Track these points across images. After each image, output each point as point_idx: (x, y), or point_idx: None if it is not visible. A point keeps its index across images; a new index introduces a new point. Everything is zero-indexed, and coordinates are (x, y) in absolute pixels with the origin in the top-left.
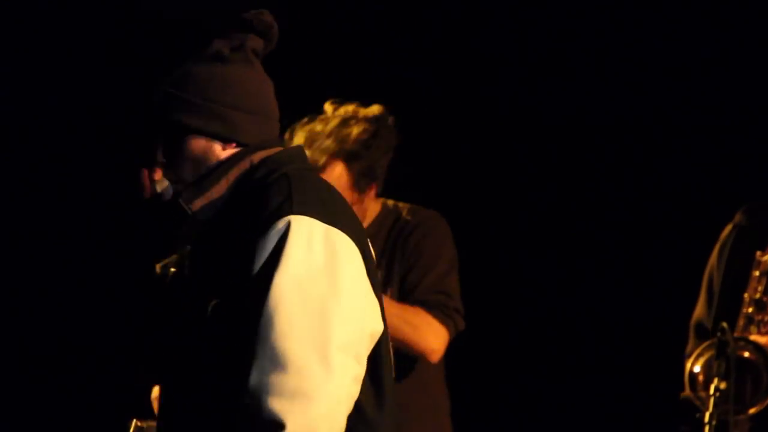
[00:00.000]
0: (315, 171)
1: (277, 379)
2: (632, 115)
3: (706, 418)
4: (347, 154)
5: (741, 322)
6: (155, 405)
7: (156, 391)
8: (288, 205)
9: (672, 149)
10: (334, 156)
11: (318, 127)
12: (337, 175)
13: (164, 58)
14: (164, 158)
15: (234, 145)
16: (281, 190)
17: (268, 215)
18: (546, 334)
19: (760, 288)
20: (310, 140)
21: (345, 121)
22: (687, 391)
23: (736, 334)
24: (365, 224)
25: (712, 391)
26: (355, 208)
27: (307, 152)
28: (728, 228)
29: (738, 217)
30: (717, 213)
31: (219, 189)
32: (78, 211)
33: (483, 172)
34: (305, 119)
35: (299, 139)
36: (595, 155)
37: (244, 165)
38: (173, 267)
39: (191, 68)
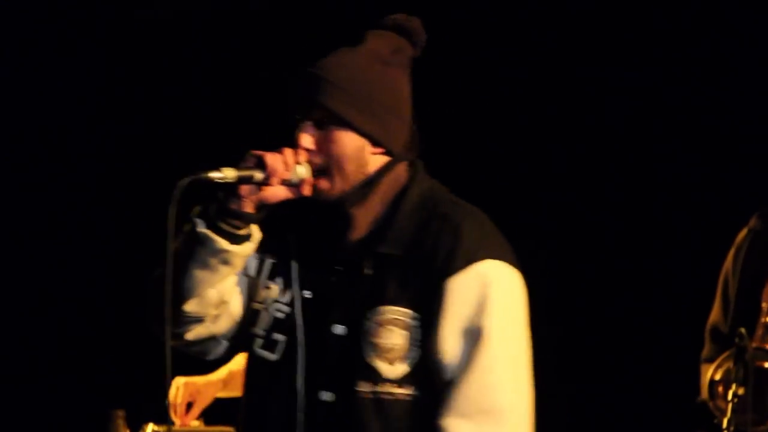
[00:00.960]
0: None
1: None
2: (650, 117)
3: (724, 424)
4: None
5: (759, 332)
6: (179, 409)
7: (174, 394)
8: (483, 249)
9: (689, 151)
10: None
11: None
12: None
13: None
14: (314, 145)
15: (382, 150)
16: (469, 225)
17: (462, 255)
18: (560, 339)
19: None
20: None
21: None
22: (704, 397)
23: (754, 344)
24: None
25: (730, 396)
26: None
27: None
28: (743, 232)
29: (753, 222)
30: (732, 216)
31: (375, 202)
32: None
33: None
34: None
35: None
36: (608, 155)
37: (397, 180)
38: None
39: (350, 61)
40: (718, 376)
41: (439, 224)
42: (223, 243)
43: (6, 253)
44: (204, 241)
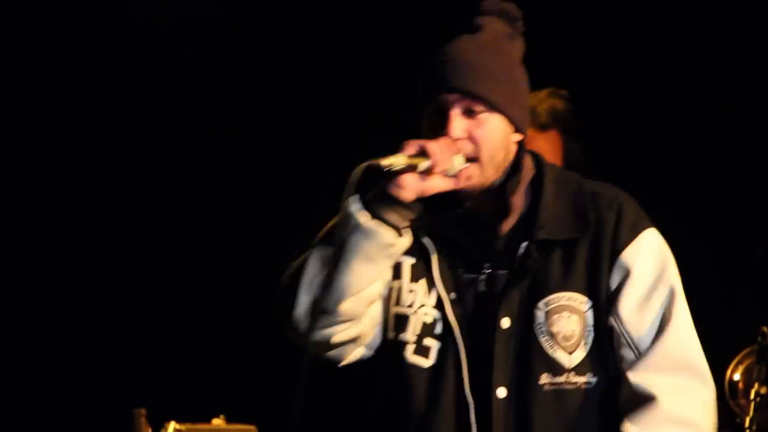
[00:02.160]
0: None
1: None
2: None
3: (747, 423)
4: (558, 124)
5: None
6: None
7: None
8: (642, 219)
9: None
10: (554, 121)
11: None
12: (556, 139)
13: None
14: (465, 133)
15: (520, 135)
16: (625, 202)
17: (628, 228)
18: None
19: None
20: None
21: (552, 94)
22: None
23: None
24: None
25: (752, 396)
26: None
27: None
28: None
29: None
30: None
31: (521, 191)
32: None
33: None
34: None
35: None
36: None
37: (528, 162)
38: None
39: (483, 47)
40: (737, 375)
41: (593, 203)
42: (390, 235)
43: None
44: (370, 233)
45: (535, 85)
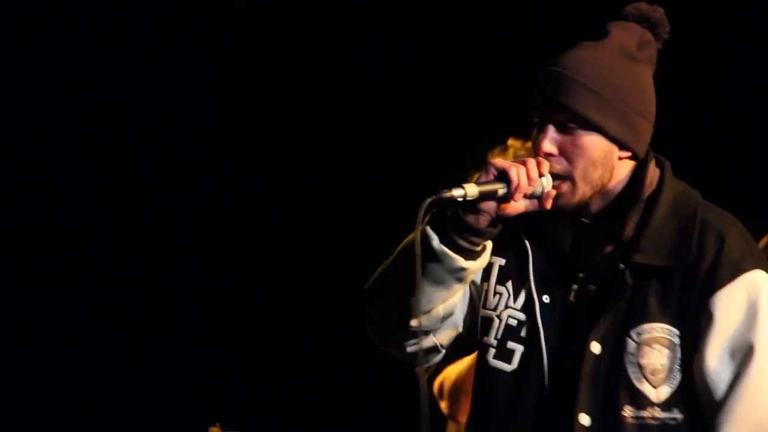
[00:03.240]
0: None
1: None
2: None
3: None
4: None
5: None
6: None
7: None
8: (748, 260)
9: None
10: None
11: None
12: None
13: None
14: (557, 150)
15: (629, 154)
16: (733, 236)
17: (728, 265)
18: None
19: None
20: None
21: None
22: None
23: None
24: None
25: None
26: None
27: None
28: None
29: None
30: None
31: (624, 209)
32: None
33: None
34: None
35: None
36: None
37: (649, 184)
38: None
39: (596, 58)
40: None
41: (700, 232)
42: (460, 261)
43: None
44: (440, 258)
45: None
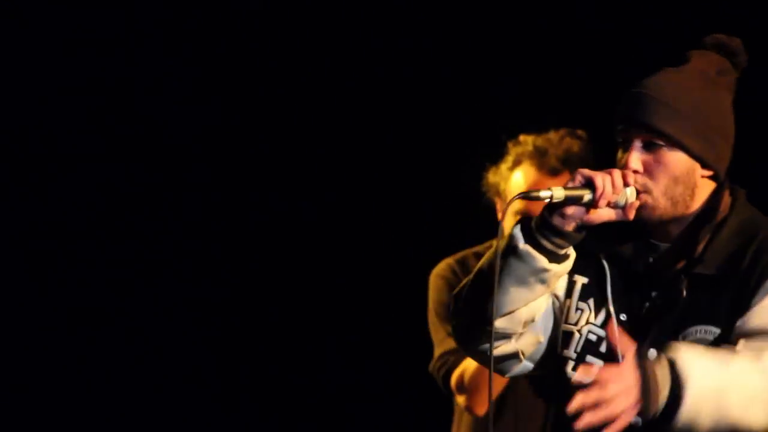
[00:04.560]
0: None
1: None
2: None
3: None
4: (572, 167)
5: None
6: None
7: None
8: None
9: None
10: (565, 165)
11: (541, 140)
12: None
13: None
14: (642, 167)
15: (711, 173)
16: None
17: None
18: None
19: None
20: (541, 150)
21: (570, 135)
22: None
23: None
24: None
25: None
26: None
27: (541, 160)
28: None
29: None
30: None
31: (697, 227)
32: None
33: None
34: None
35: (524, 151)
36: None
37: (723, 206)
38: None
39: (680, 81)
40: None
41: (757, 246)
42: (543, 261)
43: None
44: (524, 257)
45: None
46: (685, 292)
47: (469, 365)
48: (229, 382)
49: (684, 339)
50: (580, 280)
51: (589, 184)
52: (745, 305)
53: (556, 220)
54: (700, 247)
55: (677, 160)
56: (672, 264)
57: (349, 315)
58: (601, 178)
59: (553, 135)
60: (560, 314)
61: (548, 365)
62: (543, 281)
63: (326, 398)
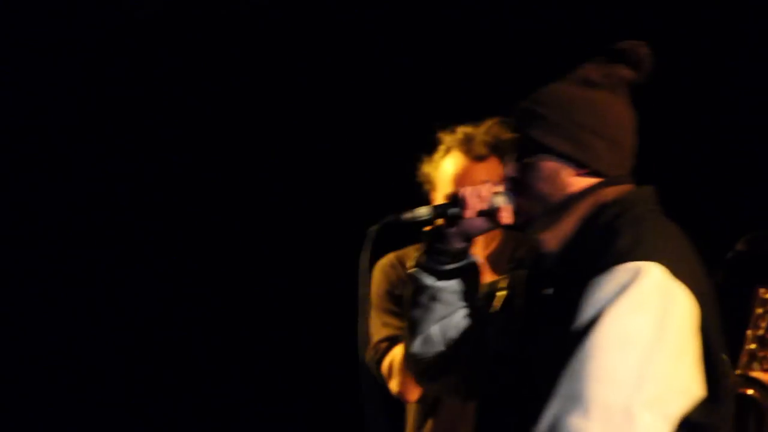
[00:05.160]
0: (661, 213)
1: (576, 421)
2: None
3: None
4: (500, 152)
5: (744, 359)
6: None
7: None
8: (639, 250)
9: None
10: (493, 151)
11: (470, 128)
12: (495, 168)
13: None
14: (515, 172)
15: (586, 171)
16: (633, 232)
17: (615, 255)
18: None
19: (763, 325)
20: (468, 137)
21: (500, 122)
22: None
23: (738, 372)
24: (490, 249)
25: None
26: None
27: (467, 146)
28: (729, 255)
29: (740, 246)
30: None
31: (568, 224)
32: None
33: None
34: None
35: (453, 139)
36: None
37: (596, 201)
38: (501, 290)
39: (555, 87)
40: None
41: (600, 237)
42: (429, 280)
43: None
44: (414, 280)
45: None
46: (548, 292)
47: (398, 352)
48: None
49: (544, 340)
50: (500, 292)
51: (455, 198)
52: (569, 319)
53: (437, 239)
54: (560, 241)
55: (544, 162)
56: (544, 260)
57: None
58: (465, 191)
59: (485, 123)
60: (482, 327)
61: (477, 370)
62: (438, 300)
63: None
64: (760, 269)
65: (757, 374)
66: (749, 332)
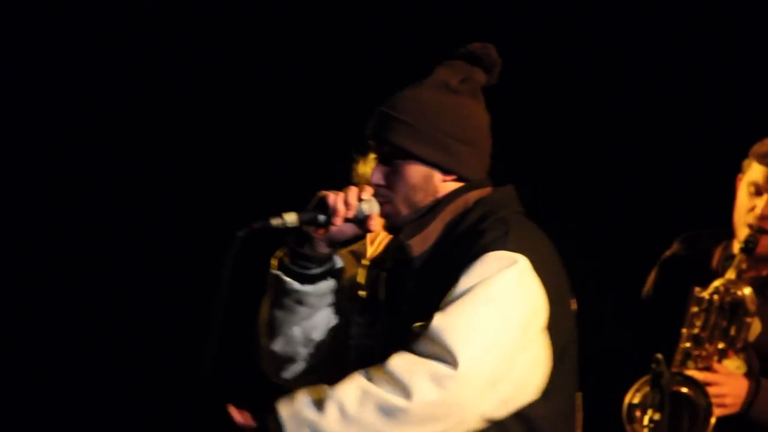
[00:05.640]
0: (523, 214)
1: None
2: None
3: None
4: None
5: (678, 358)
6: None
7: None
8: (503, 242)
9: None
10: None
11: None
12: None
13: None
14: (383, 180)
15: (453, 177)
16: (498, 230)
17: (487, 245)
18: None
19: (698, 323)
20: None
21: None
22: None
23: (673, 369)
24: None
25: (646, 422)
26: None
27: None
28: (665, 256)
29: (675, 247)
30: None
31: (435, 228)
32: None
33: None
34: None
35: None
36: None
37: (461, 204)
38: (364, 289)
39: (417, 94)
40: (636, 400)
41: (466, 237)
42: (293, 284)
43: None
44: (277, 282)
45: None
46: (407, 288)
47: None
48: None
49: (411, 334)
50: (360, 294)
51: (323, 204)
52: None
53: (302, 244)
54: (428, 244)
55: (412, 169)
56: (410, 263)
57: None
58: (333, 198)
59: None
60: (345, 328)
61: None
62: (300, 302)
63: None
64: (696, 269)
65: (691, 372)
66: (684, 331)
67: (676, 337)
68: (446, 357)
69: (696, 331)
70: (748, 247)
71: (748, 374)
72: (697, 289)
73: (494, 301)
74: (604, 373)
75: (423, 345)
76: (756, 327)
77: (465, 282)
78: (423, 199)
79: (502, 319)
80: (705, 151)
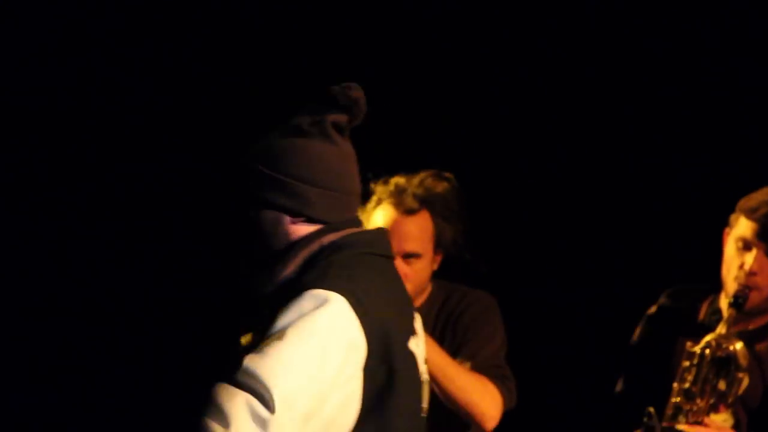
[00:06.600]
0: (386, 256)
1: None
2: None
3: None
4: (432, 206)
5: (669, 412)
6: None
7: None
8: (321, 280)
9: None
10: (424, 204)
11: (403, 180)
12: (426, 222)
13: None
14: (237, 228)
15: (303, 219)
16: (320, 269)
17: (302, 286)
18: None
19: (689, 378)
20: (400, 189)
21: (434, 176)
22: None
23: (664, 424)
24: (419, 301)
25: None
26: (424, 269)
27: (398, 199)
28: (653, 309)
29: (663, 299)
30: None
31: (287, 273)
32: None
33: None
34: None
35: (385, 191)
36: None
37: (314, 248)
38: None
39: (269, 141)
40: None
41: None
42: None
43: None
44: None
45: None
46: (248, 329)
47: None
48: None
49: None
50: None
51: None
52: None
53: None
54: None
55: (262, 216)
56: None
57: None
58: None
59: (418, 175)
60: None
61: None
62: None
63: None
64: (683, 322)
65: (682, 427)
66: (675, 385)
67: (666, 391)
68: (263, 394)
69: (687, 385)
70: (738, 302)
71: (735, 427)
72: (688, 343)
73: (306, 339)
74: (597, 426)
75: (240, 376)
76: (744, 381)
77: (281, 320)
78: (277, 243)
79: (313, 358)
80: (691, 203)
